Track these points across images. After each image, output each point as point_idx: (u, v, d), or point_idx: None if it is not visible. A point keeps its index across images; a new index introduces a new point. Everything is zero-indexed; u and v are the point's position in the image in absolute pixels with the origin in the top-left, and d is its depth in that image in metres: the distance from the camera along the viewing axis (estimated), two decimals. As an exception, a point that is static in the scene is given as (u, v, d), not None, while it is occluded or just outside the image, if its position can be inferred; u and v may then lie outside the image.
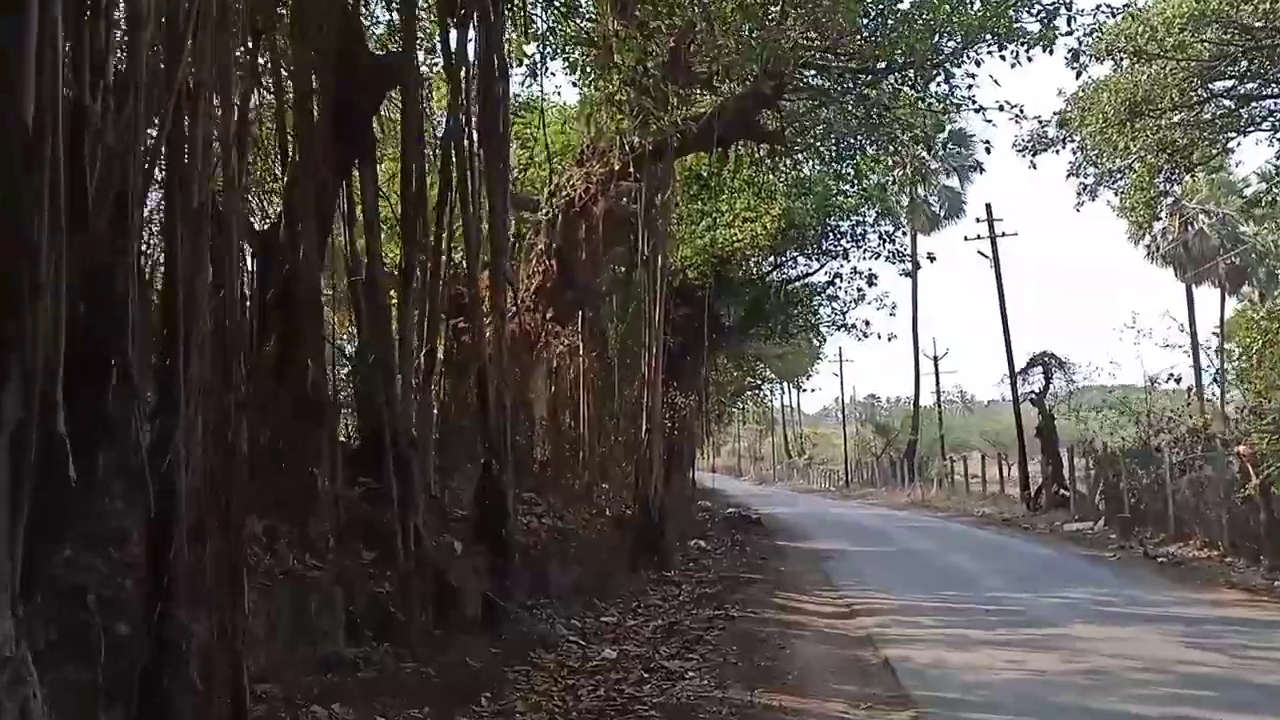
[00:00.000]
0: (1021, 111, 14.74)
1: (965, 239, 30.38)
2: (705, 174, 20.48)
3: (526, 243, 15.21)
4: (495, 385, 9.75)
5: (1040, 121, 20.87)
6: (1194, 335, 59.23)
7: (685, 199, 21.87)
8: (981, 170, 28.66)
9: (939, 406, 63.10)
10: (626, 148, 14.33)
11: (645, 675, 8.47)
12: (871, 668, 9.03)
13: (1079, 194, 26.41)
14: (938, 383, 61.83)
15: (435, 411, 11.09)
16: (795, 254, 24.39)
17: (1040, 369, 26.87)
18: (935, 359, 62.41)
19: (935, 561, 17.65)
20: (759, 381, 58.24)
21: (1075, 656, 9.18)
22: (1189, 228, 55.28)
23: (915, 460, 52.68)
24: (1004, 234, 30.02)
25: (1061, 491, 26.11)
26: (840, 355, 67.23)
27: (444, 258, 10.07)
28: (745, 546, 19.56)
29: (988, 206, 30.01)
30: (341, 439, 11.32)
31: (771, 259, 23.52)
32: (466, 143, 9.83)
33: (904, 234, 28.87)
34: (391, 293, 9.80)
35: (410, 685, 7.44)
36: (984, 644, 9.97)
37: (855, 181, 21.18)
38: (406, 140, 9.35)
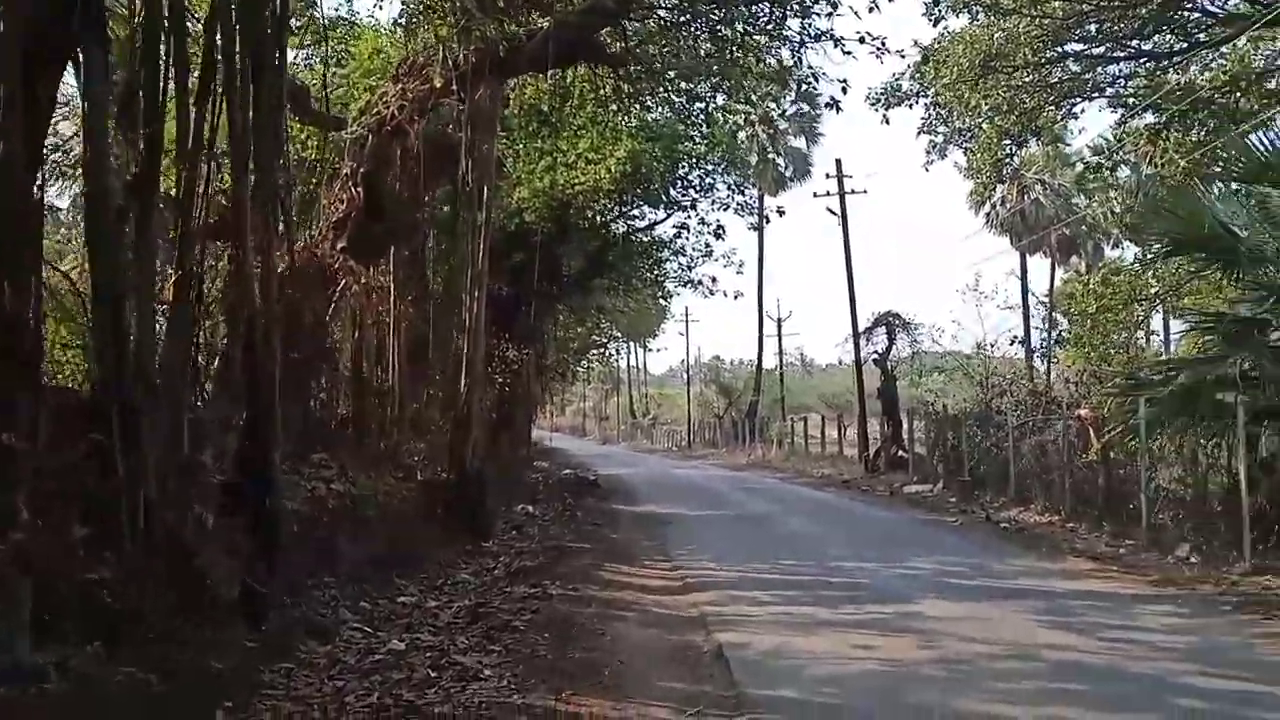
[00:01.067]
0: (884, 45, 13.65)
1: (815, 195, 29.74)
2: (546, 109, 18.87)
3: (331, 167, 13.33)
4: (263, 325, 8.03)
5: (902, 55, 19.97)
6: (1025, 303, 61.34)
7: (524, 136, 20.25)
8: (838, 109, 27.57)
9: (781, 368, 63.46)
10: (450, 63, 12.59)
11: (433, 674, 7.01)
12: (703, 657, 7.81)
13: (928, 152, 26.00)
14: (780, 344, 62.15)
15: (196, 356, 9.23)
16: (641, 203, 23.05)
17: (884, 329, 26.42)
18: (779, 321, 62.68)
19: (775, 527, 16.76)
20: (604, 340, 57.17)
21: (930, 640, 8.20)
22: (1025, 196, 56.75)
23: (756, 421, 52.67)
24: (853, 191, 29.54)
25: (900, 453, 25.81)
26: (686, 315, 66.81)
27: (203, 167, 8.23)
28: (577, 511, 18.24)
29: (838, 162, 29.43)
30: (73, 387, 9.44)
31: (616, 207, 22.12)
32: (235, 24, 8.02)
33: (752, 185, 27.91)
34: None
35: (118, 698, 5.79)
36: (829, 625, 8.91)
37: (706, 126, 19.93)
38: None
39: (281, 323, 8.49)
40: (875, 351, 26.64)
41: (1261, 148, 13.96)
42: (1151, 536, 13.77)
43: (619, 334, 61.42)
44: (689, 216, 24.21)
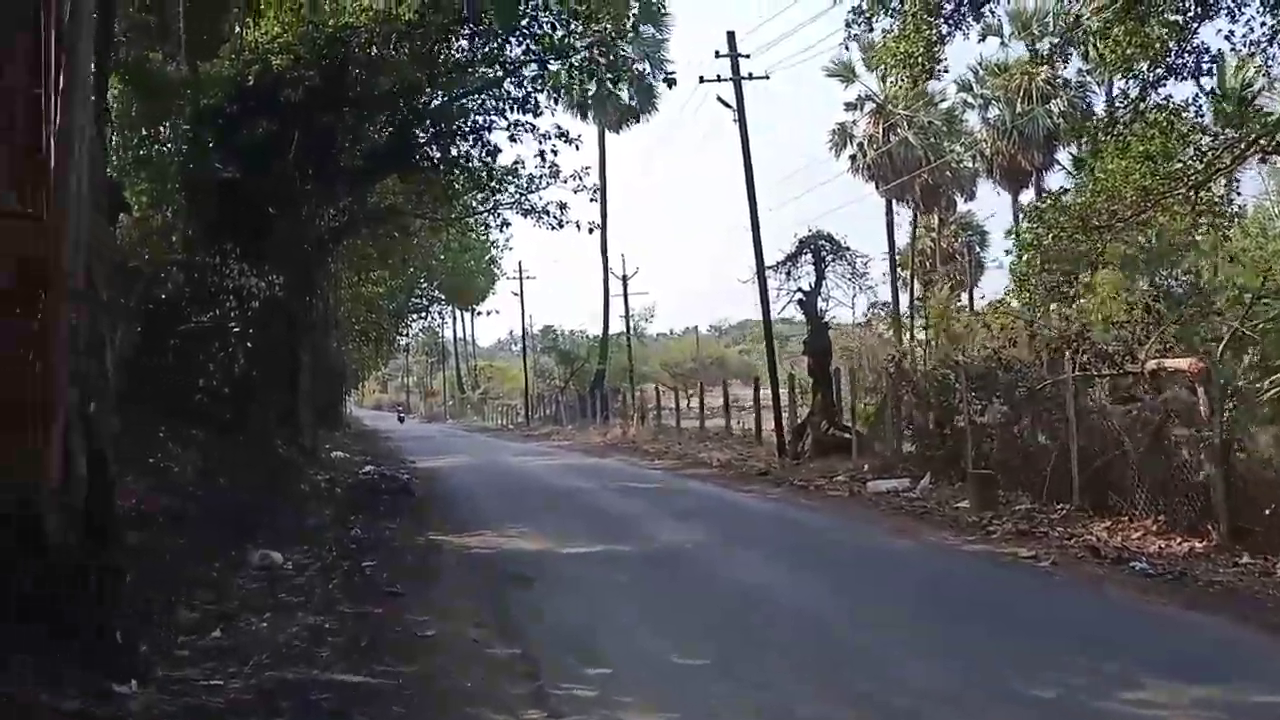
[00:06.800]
0: None
1: (701, 80, 21.95)
2: None
3: None
4: None
5: None
6: (892, 254, 55.90)
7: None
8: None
9: (629, 330, 56.25)
10: None
11: None
12: None
13: (850, 24, 19.15)
14: (626, 304, 54.72)
15: None
16: (466, 52, 14.72)
17: (811, 256, 18.98)
18: (624, 278, 55.24)
19: (748, 596, 8.91)
20: (425, 300, 48.79)
21: None
22: (891, 135, 51.01)
23: (604, 392, 45.37)
24: (751, 75, 21.96)
25: (835, 432, 18.69)
26: (521, 270, 58.76)
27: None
28: (365, 560, 10.13)
29: (730, 36, 21.78)
30: None
31: (422, 48, 13.75)
32: None
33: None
34: None
35: None
36: None
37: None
38: None
39: None
40: (799, 290, 19.25)
41: None
42: None
43: (441, 296, 53.05)
44: (536, 99, 16.15)
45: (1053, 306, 21.33)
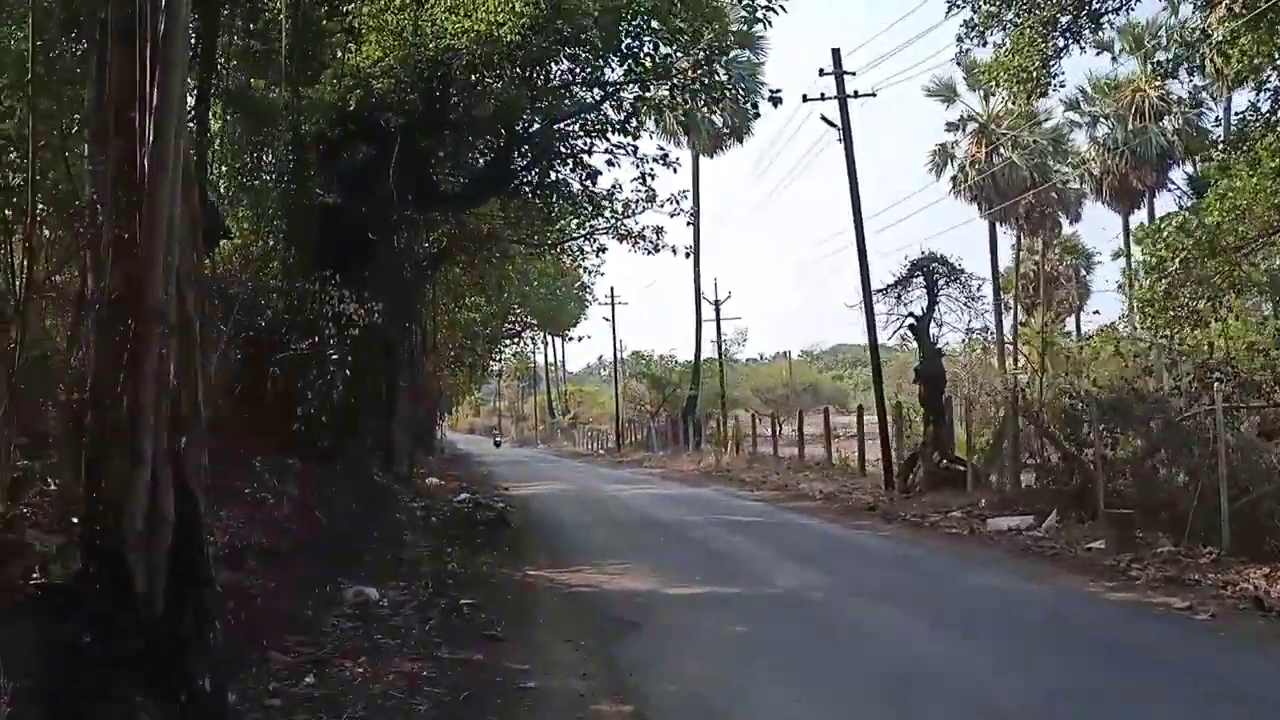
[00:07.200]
0: None
1: (805, 98, 21.35)
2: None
3: None
4: None
5: None
6: (995, 279, 53.91)
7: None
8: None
9: (721, 356, 55.49)
10: None
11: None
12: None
13: (961, 39, 18.49)
14: (719, 329, 54.00)
15: None
16: (566, 74, 14.49)
17: (922, 278, 18.15)
18: (716, 303, 54.62)
19: (886, 649, 8.16)
20: (518, 325, 48.83)
21: None
22: (994, 156, 49.37)
23: (697, 418, 44.69)
24: (857, 94, 21.22)
25: (947, 464, 17.79)
26: (613, 296, 58.50)
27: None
28: (463, 598, 9.67)
29: (835, 53, 21.10)
30: None
31: (523, 72, 13.49)
32: None
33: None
34: None
35: None
36: None
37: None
38: None
39: None
40: (909, 315, 18.46)
41: None
42: None
43: (534, 321, 53.11)
44: (639, 122, 15.83)
45: (1167, 331, 20.12)
